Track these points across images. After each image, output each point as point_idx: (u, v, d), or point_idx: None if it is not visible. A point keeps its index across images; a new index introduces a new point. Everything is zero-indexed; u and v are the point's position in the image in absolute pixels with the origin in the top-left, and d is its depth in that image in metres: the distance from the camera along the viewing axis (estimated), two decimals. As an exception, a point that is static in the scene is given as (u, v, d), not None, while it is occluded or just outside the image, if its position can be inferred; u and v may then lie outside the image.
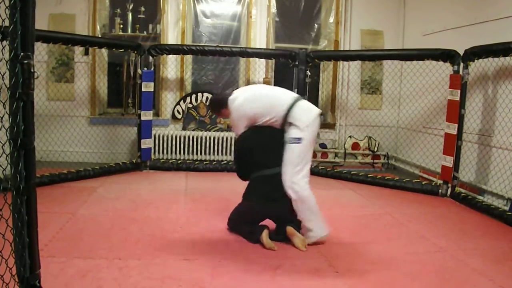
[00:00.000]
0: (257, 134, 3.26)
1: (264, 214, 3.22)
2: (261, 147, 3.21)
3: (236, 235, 3.28)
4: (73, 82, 5.93)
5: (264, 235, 3.08)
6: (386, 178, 5.34)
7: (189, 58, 6.24)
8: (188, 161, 5.79)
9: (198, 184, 4.96)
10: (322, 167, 5.86)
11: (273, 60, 6.30)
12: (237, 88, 6.36)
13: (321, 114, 3.38)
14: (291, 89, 5.77)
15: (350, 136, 6.56)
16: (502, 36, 4.13)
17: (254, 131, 3.27)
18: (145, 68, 5.40)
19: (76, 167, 5.10)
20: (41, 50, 5.50)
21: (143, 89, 5.38)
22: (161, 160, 5.81)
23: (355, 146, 6.54)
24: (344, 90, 6.53)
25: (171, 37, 6.09)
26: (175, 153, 6.01)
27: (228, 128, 6.14)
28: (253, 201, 3.19)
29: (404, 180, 5.16)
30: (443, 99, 5.09)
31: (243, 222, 3.26)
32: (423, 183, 5.06)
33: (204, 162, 5.81)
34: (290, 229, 3.11)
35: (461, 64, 4.58)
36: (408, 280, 2.66)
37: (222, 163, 5.81)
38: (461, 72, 4.58)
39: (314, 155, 6.40)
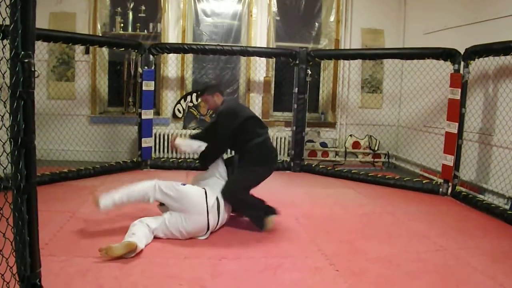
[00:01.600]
0: (242, 108, 3.64)
1: (266, 177, 3.51)
2: (251, 118, 3.51)
3: (236, 234, 3.30)
4: (74, 81, 5.93)
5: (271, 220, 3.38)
6: (386, 177, 5.34)
7: (189, 57, 6.24)
8: (188, 160, 5.79)
9: (198, 183, 4.95)
10: (322, 166, 5.86)
11: (274, 59, 6.30)
12: (237, 87, 6.41)
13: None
14: (291, 88, 5.81)
15: (350, 135, 6.56)
16: (502, 35, 4.13)
17: (238, 104, 3.70)
18: (146, 67, 5.40)
19: (77, 166, 5.11)
20: (41, 49, 5.50)
21: (143, 88, 5.38)
22: (162, 159, 5.82)
23: (356, 145, 6.54)
24: (344, 89, 6.53)
25: (172, 36, 6.09)
26: (176, 152, 5.99)
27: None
28: (257, 166, 3.43)
29: (405, 179, 5.16)
30: (444, 98, 5.08)
31: (248, 199, 3.42)
32: (424, 182, 5.05)
33: (205, 161, 5.80)
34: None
35: (462, 63, 4.57)
36: (409, 278, 2.66)
37: (223, 162, 5.80)
38: (461, 71, 4.57)
39: (315, 154, 6.42)
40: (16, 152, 1.65)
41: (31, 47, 1.66)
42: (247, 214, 3.51)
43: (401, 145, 6.48)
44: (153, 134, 5.73)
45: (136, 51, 5.48)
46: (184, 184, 3.23)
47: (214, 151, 3.50)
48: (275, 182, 5.08)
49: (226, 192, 3.32)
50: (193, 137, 3.79)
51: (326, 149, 6.49)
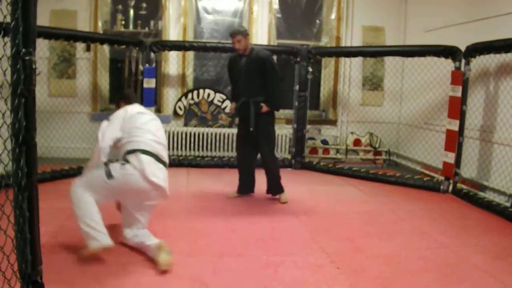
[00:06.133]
0: None
1: None
2: None
3: (237, 232, 3.31)
4: (75, 78, 5.93)
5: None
6: (387, 174, 5.34)
7: (190, 54, 6.24)
8: (189, 157, 5.79)
9: (199, 181, 4.96)
10: (323, 163, 5.86)
11: (275, 57, 6.29)
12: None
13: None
14: (292, 85, 5.80)
15: (351, 133, 6.56)
16: (503, 33, 4.11)
17: None
18: (147, 65, 5.40)
19: (78, 163, 5.11)
20: (42, 47, 5.49)
21: (144, 86, 5.38)
22: (163, 157, 5.81)
23: (357, 142, 6.54)
24: (345, 86, 6.52)
25: (173, 33, 6.08)
26: (177, 149, 6.01)
27: (230, 125, 6.15)
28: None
29: (406, 177, 5.17)
30: (445, 96, 5.07)
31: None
32: (425, 179, 5.05)
33: (206, 159, 5.81)
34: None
35: (463, 60, 4.57)
36: (409, 276, 2.66)
37: (224, 159, 5.81)
38: (462, 69, 4.57)
39: (316, 151, 6.41)
40: (17, 150, 1.65)
41: (32, 45, 1.66)
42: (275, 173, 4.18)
43: (402, 142, 6.47)
44: (154, 132, 5.72)
45: (137, 48, 5.48)
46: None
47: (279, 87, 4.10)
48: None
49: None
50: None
51: (327, 146, 6.49)
